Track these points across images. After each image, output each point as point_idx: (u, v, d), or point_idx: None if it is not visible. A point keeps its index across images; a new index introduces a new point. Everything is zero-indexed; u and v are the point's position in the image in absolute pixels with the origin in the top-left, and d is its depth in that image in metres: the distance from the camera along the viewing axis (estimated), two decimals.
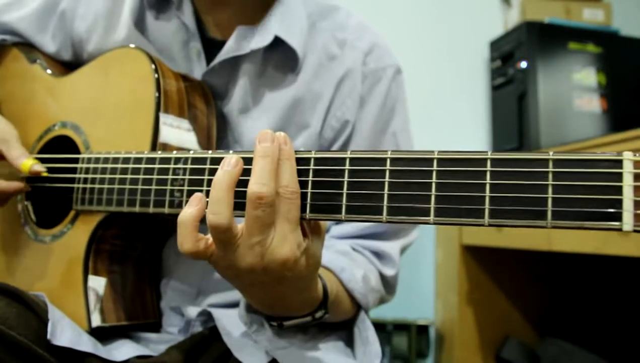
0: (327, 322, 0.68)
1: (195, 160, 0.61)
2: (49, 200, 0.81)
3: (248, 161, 0.54)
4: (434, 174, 0.47)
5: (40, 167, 0.77)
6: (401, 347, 2.01)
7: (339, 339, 0.73)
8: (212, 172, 0.59)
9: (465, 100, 2.29)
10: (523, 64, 2.03)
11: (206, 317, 0.76)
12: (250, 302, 0.65)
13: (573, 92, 2.01)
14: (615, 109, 2.04)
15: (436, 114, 2.18)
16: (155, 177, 0.65)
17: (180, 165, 0.62)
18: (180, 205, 0.62)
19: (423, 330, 2.04)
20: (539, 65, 1.99)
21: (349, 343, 0.74)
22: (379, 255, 0.81)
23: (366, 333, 0.72)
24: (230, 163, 0.53)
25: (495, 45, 2.22)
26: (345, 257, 0.76)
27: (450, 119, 2.25)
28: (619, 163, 0.41)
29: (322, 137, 0.82)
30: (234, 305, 0.78)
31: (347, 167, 0.51)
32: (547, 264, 1.97)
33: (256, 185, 0.51)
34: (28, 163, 0.76)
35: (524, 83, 2.02)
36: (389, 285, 0.82)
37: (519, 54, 2.05)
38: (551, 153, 0.44)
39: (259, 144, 0.53)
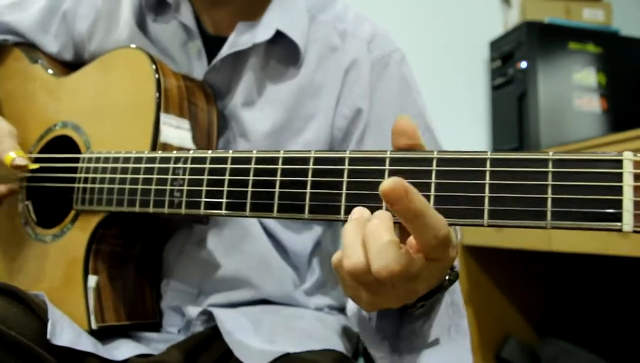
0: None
1: (195, 160, 0.61)
2: (50, 200, 0.81)
3: (245, 160, 0.55)
4: (434, 173, 0.47)
5: (22, 161, 0.74)
6: None
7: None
8: (212, 171, 0.59)
9: (465, 100, 2.29)
10: (523, 64, 2.02)
11: (207, 316, 0.76)
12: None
13: (573, 92, 2.01)
14: (615, 109, 2.03)
15: (436, 113, 2.16)
16: (155, 176, 0.65)
17: (180, 165, 0.62)
18: (180, 206, 0.61)
19: None
20: (539, 65, 1.99)
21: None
22: None
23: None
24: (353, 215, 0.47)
25: (495, 45, 2.22)
26: None
27: (450, 118, 2.24)
28: (619, 163, 0.41)
29: (334, 126, 0.82)
30: (235, 305, 0.78)
31: (346, 166, 0.50)
32: (546, 264, 1.96)
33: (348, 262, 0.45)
34: (10, 156, 0.73)
35: (524, 83, 2.02)
36: None
37: (519, 54, 2.05)
38: (551, 153, 0.43)
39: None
